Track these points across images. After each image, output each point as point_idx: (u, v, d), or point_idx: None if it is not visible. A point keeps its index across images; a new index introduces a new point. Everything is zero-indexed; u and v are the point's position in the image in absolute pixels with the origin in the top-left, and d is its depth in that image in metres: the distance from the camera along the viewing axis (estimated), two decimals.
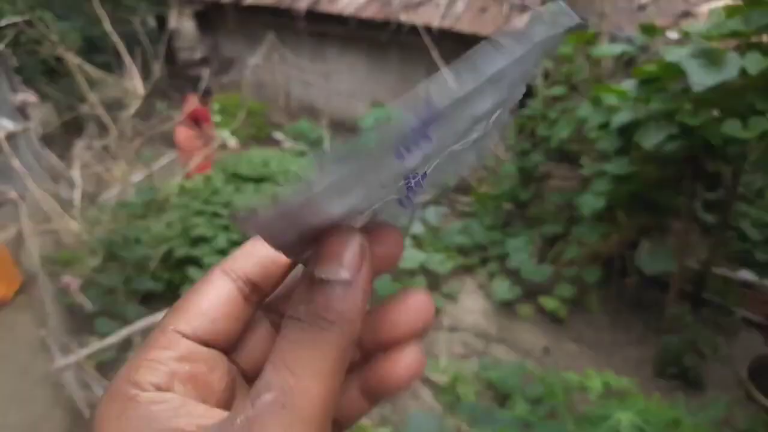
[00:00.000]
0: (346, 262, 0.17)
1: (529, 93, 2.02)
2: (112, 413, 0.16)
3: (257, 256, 0.20)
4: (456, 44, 2.36)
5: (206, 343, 0.18)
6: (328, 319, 0.16)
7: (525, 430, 0.94)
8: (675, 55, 1.09)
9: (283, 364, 0.16)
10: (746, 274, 1.44)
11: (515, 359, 1.42)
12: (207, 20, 3.52)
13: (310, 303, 0.17)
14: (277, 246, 0.18)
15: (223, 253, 1.47)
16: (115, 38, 2.07)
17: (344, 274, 0.17)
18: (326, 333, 0.16)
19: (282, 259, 0.19)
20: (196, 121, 2.03)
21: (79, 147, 2.15)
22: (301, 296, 0.17)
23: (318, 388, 0.15)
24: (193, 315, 0.19)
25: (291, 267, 0.20)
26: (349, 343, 0.17)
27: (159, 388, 0.16)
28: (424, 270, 1.67)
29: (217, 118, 2.49)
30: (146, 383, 0.17)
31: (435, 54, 2.20)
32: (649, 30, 1.36)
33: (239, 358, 0.19)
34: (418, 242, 1.82)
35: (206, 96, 2.78)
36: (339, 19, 2.82)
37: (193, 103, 2.05)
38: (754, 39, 1.07)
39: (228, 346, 0.19)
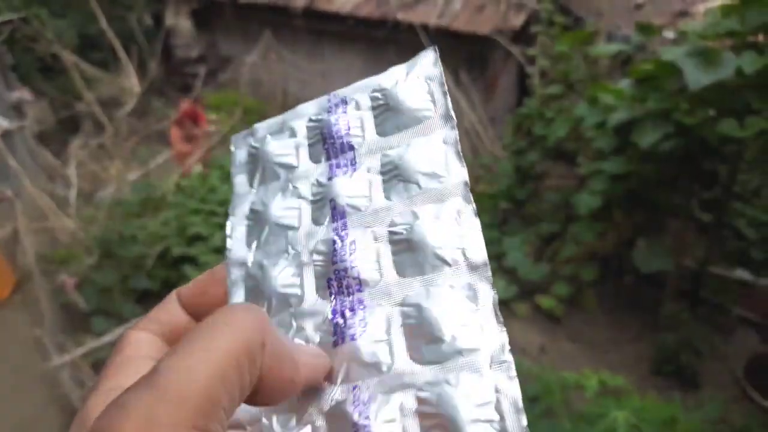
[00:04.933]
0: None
1: (526, 92, 2.02)
2: None
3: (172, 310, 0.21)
4: (453, 43, 2.36)
5: (168, 342, 0.19)
6: (244, 308, 0.16)
7: None
8: (671, 54, 1.09)
9: (175, 346, 0.14)
10: (742, 273, 1.44)
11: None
12: (204, 18, 3.51)
13: None
14: None
15: (218, 251, 1.46)
16: (112, 36, 2.06)
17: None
18: (236, 318, 0.15)
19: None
20: (190, 120, 2.02)
21: (75, 145, 2.15)
22: None
23: (201, 368, 0.13)
24: (152, 320, 0.20)
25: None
26: (258, 345, 0.15)
27: (121, 389, 0.16)
28: None
29: (213, 116, 2.48)
30: (105, 387, 0.17)
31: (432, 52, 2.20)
32: (646, 29, 1.36)
33: None
34: None
35: (202, 94, 2.77)
36: (336, 18, 2.82)
37: (187, 103, 2.05)
38: (749, 38, 1.07)
39: None
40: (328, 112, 0.22)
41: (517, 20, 2.25)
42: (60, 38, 2.51)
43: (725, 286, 1.48)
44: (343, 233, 0.20)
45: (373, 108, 0.21)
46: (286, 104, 3.42)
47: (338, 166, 0.21)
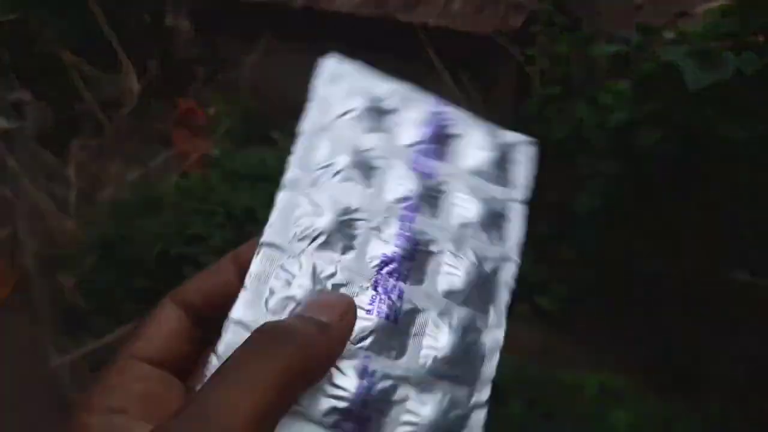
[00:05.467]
0: (332, 310, 0.17)
1: (525, 93, 2.02)
2: None
3: (205, 284, 0.21)
4: (453, 43, 2.36)
5: (160, 365, 0.19)
6: (282, 331, 0.16)
7: (521, 429, 0.94)
8: (671, 54, 1.09)
9: (214, 375, 0.15)
10: (741, 274, 1.44)
11: (511, 359, 1.42)
12: (203, 18, 3.51)
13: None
14: None
15: (219, 251, 1.46)
16: (111, 36, 2.06)
17: (324, 318, 0.17)
18: (274, 345, 0.16)
19: (230, 289, 0.19)
20: (191, 119, 2.02)
21: (75, 145, 2.15)
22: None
23: (247, 401, 0.14)
24: (145, 340, 0.19)
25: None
26: (303, 365, 0.16)
27: (112, 410, 0.17)
28: None
29: (211, 111, 2.48)
30: (100, 407, 0.17)
31: (432, 53, 2.20)
32: (646, 30, 1.36)
33: (193, 381, 0.20)
34: None
35: (201, 95, 2.77)
36: (336, 18, 2.81)
37: (187, 102, 2.05)
38: (749, 39, 1.07)
39: (181, 367, 0.19)
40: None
41: (517, 20, 2.25)
42: (60, 38, 2.51)
43: (725, 287, 1.48)
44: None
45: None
46: (286, 105, 3.41)
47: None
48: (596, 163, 1.39)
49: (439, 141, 0.23)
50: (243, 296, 0.19)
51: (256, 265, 0.19)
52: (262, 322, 0.17)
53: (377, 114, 0.24)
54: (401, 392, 0.18)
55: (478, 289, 0.22)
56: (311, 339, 0.16)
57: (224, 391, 0.14)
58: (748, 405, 1.23)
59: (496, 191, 0.23)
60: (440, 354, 0.19)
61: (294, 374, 0.15)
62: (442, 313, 0.20)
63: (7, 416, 1.31)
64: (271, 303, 0.19)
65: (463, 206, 0.21)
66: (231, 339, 0.18)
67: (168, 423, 0.14)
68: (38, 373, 1.36)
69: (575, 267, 1.52)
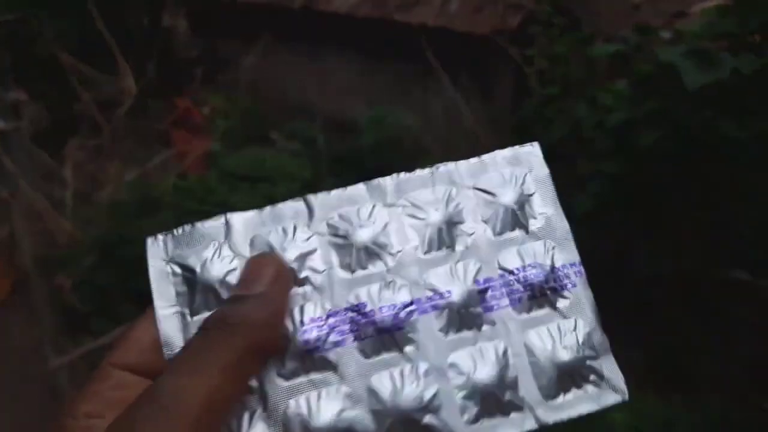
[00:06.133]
0: (262, 279, 0.18)
1: (524, 93, 2.02)
2: None
3: None
4: (452, 43, 2.36)
5: (138, 373, 0.19)
6: (229, 322, 0.18)
7: None
8: (668, 54, 1.09)
9: (166, 368, 0.16)
10: (741, 274, 1.45)
11: None
12: (202, 19, 3.51)
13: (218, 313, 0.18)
14: None
15: None
16: (108, 37, 2.06)
17: (258, 288, 0.18)
18: (222, 335, 0.17)
19: None
20: (189, 120, 2.02)
21: (72, 146, 2.14)
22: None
23: (197, 388, 0.15)
24: (124, 348, 0.20)
25: None
26: (251, 349, 0.18)
27: (90, 416, 0.18)
28: None
29: (211, 117, 2.48)
30: (80, 413, 0.18)
31: (430, 53, 2.20)
32: (644, 30, 1.36)
33: None
34: None
35: (200, 95, 2.77)
36: (334, 18, 2.82)
37: (185, 103, 2.04)
38: (747, 39, 1.08)
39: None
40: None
41: (515, 21, 2.25)
42: (57, 39, 2.51)
43: (725, 287, 1.48)
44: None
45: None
46: (284, 105, 3.41)
47: None
48: (595, 163, 1.39)
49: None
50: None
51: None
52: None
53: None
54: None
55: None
56: (250, 317, 0.17)
57: (175, 380, 0.15)
58: (748, 404, 1.23)
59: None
60: None
61: (240, 357, 0.16)
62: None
63: (6, 416, 1.31)
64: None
65: None
66: None
67: (125, 412, 0.15)
68: (37, 374, 1.36)
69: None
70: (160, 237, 0.22)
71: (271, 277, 0.18)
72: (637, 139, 1.15)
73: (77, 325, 1.46)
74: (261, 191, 1.56)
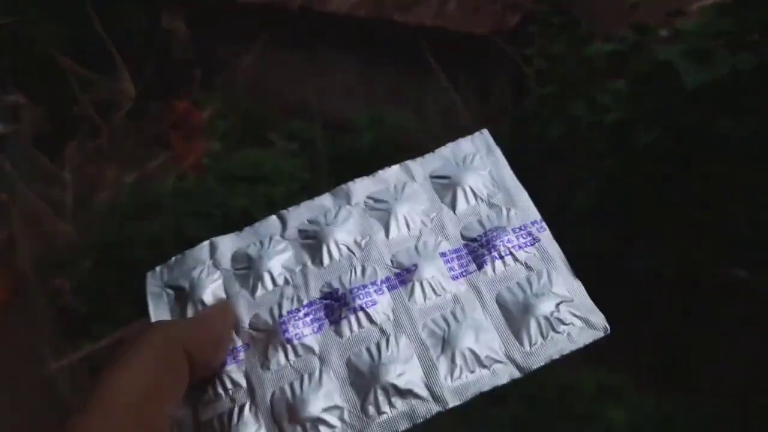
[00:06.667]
0: (208, 309, 0.22)
1: (522, 92, 2.02)
2: None
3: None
4: (449, 43, 2.37)
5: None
6: (159, 325, 0.20)
7: (519, 428, 0.95)
8: (666, 53, 1.09)
9: (107, 364, 0.17)
10: (740, 272, 1.45)
11: None
12: (200, 20, 3.51)
13: None
14: None
15: None
16: (107, 39, 2.06)
17: (202, 312, 0.22)
18: (150, 333, 0.19)
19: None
20: (187, 122, 2.02)
21: (71, 148, 2.14)
22: None
23: (131, 378, 0.17)
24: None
25: None
26: (177, 344, 0.19)
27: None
28: None
29: (209, 118, 2.48)
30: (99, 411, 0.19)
31: (428, 53, 2.20)
32: (642, 29, 1.36)
33: None
34: None
35: (199, 97, 2.77)
36: (332, 19, 2.82)
37: (183, 104, 2.04)
38: (745, 37, 1.08)
39: None
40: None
41: (513, 21, 2.25)
42: (56, 41, 2.51)
43: (723, 286, 1.49)
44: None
45: None
46: (283, 106, 3.41)
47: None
48: (594, 162, 1.40)
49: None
50: None
51: None
52: None
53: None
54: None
55: None
56: (180, 322, 0.20)
57: (109, 380, 0.16)
58: (747, 403, 1.23)
59: None
60: None
61: (167, 350, 0.18)
62: None
63: (6, 419, 1.31)
64: None
65: None
66: None
67: (73, 417, 0.16)
68: (36, 377, 1.36)
69: (573, 266, 1.52)
70: (158, 269, 0.25)
71: (218, 310, 0.21)
72: (635, 138, 1.15)
73: (76, 327, 1.46)
74: (260, 192, 1.56)
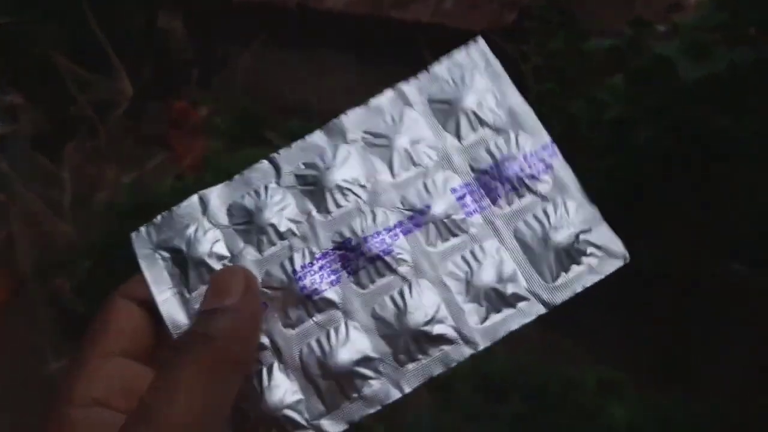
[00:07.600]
0: (231, 291, 0.18)
1: (520, 89, 2.01)
2: None
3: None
4: (447, 40, 2.35)
5: (134, 359, 0.20)
6: (207, 335, 0.18)
7: (520, 424, 0.94)
8: (664, 48, 1.09)
9: (150, 385, 0.17)
10: (740, 271, 1.45)
11: (510, 354, 1.42)
12: (197, 19, 3.49)
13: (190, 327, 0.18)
14: None
15: None
16: (104, 38, 2.05)
17: (228, 300, 0.18)
18: (199, 347, 0.17)
19: None
20: (185, 121, 2.01)
21: (69, 149, 2.14)
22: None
23: (182, 400, 0.16)
24: (114, 333, 0.21)
25: None
26: (227, 362, 0.18)
27: (96, 403, 0.18)
28: None
29: (207, 117, 2.48)
30: (86, 398, 0.18)
31: (426, 50, 2.20)
32: (639, 23, 1.36)
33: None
34: None
35: (197, 96, 2.76)
36: (329, 16, 2.81)
37: (181, 104, 2.04)
38: (743, 31, 1.07)
39: (149, 358, 0.20)
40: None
41: (511, 17, 2.24)
42: (52, 41, 2.50)
43: (723, 284, 1.48)
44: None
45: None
46: (281, 104, 3.40)
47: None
48: (594, 161, 1.39)
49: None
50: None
51: None
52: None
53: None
54: None
55: None
56: (223, 331, 0.17)
57: (165, 393, 0.16)
58: (748, 400, 1.23)
59: None
60: None
61: (217, 371, 0.17)
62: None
63: (5, 420, 1.31)
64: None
65: None
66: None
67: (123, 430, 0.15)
68: (36, 377, 1.36)
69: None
70: (143, 229, 0.24)
71: (241, 288, 0.19)
72: (634, 135, 1.15)
73: (77, 327, 1.45)
74: None
